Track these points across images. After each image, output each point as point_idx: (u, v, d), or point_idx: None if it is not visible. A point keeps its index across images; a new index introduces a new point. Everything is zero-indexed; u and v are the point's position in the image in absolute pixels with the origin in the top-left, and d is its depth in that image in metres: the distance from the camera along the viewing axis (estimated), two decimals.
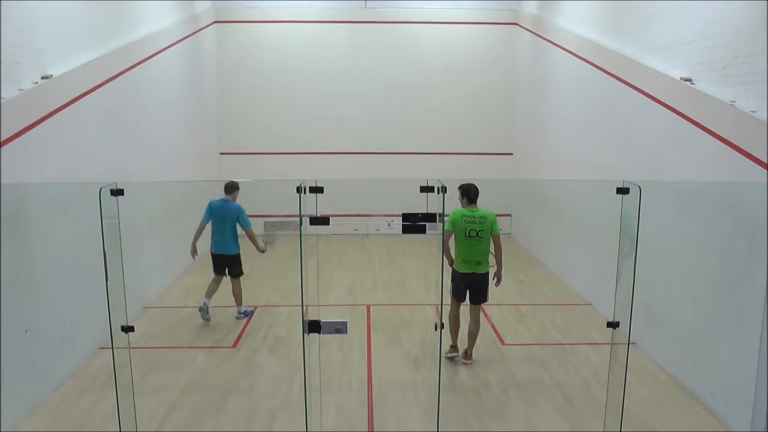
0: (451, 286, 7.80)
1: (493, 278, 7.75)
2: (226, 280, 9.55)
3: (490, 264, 7.71)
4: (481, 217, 7.53)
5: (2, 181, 5.99)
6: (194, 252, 9.40)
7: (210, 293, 9.36)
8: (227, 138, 16.13)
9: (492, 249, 7.69)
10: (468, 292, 7.77)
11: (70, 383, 7.21)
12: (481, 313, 7.89)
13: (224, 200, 9.47)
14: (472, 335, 7.84)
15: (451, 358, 7.91)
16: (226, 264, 9.46)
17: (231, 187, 9.57)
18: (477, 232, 7.50)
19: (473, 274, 7.65)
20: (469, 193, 7.64)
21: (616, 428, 5.50)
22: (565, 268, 11.95)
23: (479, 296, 7.76)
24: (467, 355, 7.87)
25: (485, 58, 16.22)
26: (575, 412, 6.63)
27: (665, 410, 6.67)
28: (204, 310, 9.21)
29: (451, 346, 7.98)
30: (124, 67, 9.60)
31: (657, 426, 6.33)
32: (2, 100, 6.26)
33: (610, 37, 10.05)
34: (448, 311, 7.89)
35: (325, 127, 16.14)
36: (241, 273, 9.61)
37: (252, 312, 9.84)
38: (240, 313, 9.66)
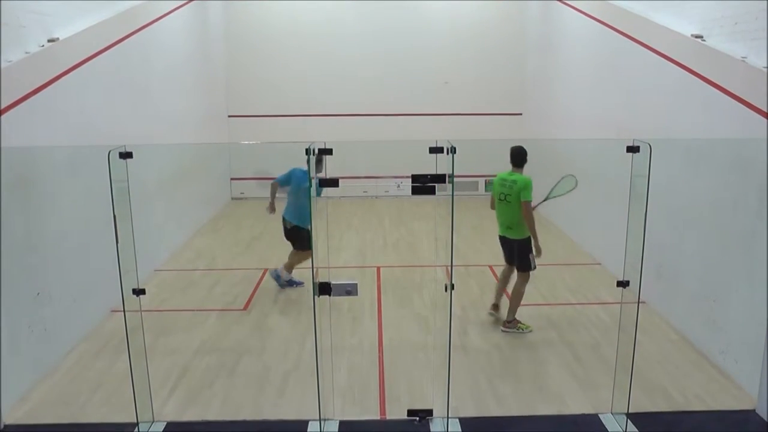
0: None
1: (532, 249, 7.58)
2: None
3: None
4: (512, 181, 7.42)
5: (12, 145, 5.99)
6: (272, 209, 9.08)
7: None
8: (235, 100, 16.04)
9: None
10: (508, 255, 7.82)
11: (83, 346, 7.29)
12: (520, 280, 7.62)
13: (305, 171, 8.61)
14: (509, 301, 7.77)
15: (492, 314, 7.98)
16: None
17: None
18: (506, 196, 7.46)
19: (504, 237, 7.71)
20: (511, 157, 7.57)
21: (626, 387, 5.52)
22: (574, 227, 11.92)
23: (517, 261, 7.67)
24: (505, 323, 7.70)
25: (494, 17, 16.01)
26: (585, 372, 6.66)
27: (675, 368, 6.70)
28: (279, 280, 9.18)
29: (492, 305, 8.02)
30: (131, 30, 9.53)
31: (666, 384, 6.35)
32: (9, 64, 6.24)
33: None
34: None
35: (333, 89, 16.02)
36: (301, 248, 8.89)
37: (284, 281, 9.16)
38: (277, 273, 9.15)
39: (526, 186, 7.37)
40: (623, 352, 5.65)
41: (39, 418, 5.83)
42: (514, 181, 7.41)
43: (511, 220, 7.53)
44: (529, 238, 7.51)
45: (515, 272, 7.84)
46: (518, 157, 7.53)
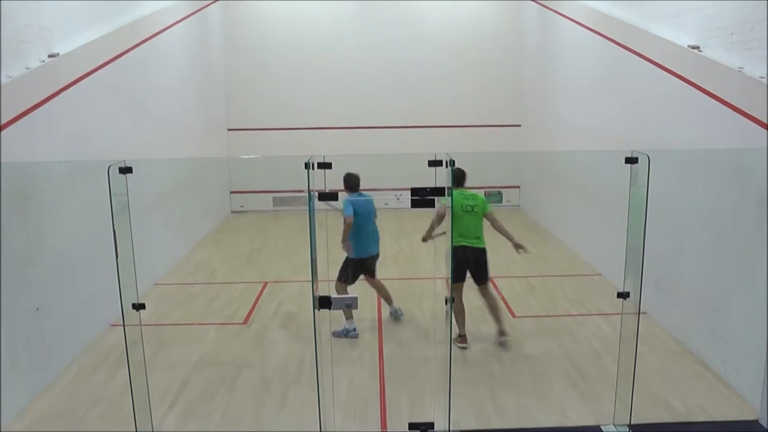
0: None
1: None
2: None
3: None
4: (472, 196, 7.65)
5: (12, 160, 6.00)
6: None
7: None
8: (235, 114, 16.09)
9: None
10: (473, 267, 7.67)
11: (82, 360, 7.27)
12: (488, 291, 7.69)
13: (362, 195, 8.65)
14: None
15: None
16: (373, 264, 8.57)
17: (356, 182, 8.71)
18: (472, 208, 7.54)
19: (472, 247, 7.56)
20: (456, 178, 7.61)
21: (628, 398, 5.51)
22: (574, 238, 11.92)
23: (483, 272, 7.68)
24: (501, 331, 7.55)
25: (492, 29, 16.10)
26: (586, 383, 6.64)
27: (676, 379, 6.68)
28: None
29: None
30: (131, 44, 9.57)
31: (668, 395, 6.33)
32: (10, 79, 6.26)
33: (616, 7, 9.93)
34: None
35: (333, 102, 16.07)
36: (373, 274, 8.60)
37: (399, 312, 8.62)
38: (395, 311, 8.58)
39: (486, 201, 7.75)
40: (624, 363, 5.64)
41: None
42: (474, 196, 7.63)
43: (479, 230, 7.60)
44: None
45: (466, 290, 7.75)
46: (461, 177, 7.70)
